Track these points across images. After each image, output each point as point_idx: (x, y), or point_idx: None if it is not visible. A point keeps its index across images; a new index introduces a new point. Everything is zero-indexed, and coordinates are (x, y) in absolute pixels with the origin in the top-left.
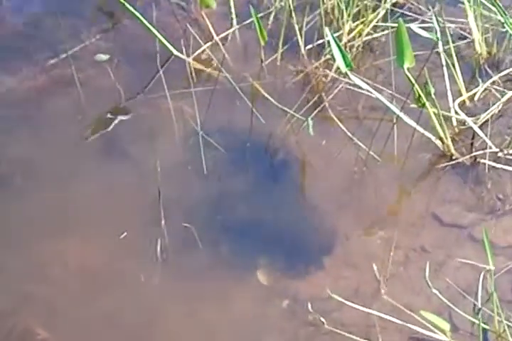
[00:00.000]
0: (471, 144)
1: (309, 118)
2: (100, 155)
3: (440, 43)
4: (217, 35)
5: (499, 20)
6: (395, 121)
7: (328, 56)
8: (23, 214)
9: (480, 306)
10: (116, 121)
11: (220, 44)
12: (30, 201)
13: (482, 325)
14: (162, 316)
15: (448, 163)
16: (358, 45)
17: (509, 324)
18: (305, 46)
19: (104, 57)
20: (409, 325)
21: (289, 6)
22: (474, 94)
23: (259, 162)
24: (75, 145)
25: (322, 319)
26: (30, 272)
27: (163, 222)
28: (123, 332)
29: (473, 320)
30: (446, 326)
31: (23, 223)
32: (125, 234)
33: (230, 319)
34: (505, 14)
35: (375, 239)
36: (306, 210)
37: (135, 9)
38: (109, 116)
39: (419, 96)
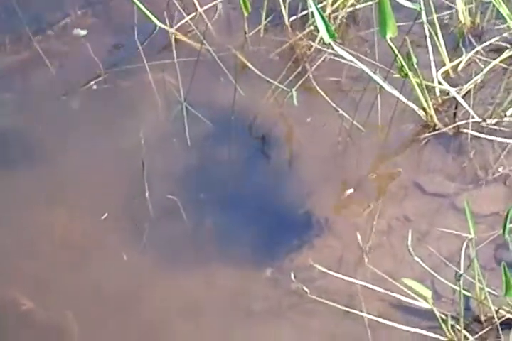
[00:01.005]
0: (454, 114)
1: (293, 89)
2: (83, 127)
3: (423, 13)
4: (201, 6)
5: None
6: (378, 91)
7: (311, 27)
8: (6, 187)
9: (461, 273)
10: (99, 93)
11: (204, 15)
12: (14, 173)
13: (463, 291)
14: (147, 288)
15: (431, 133)
16: (342, 16)
17: (490, 291)
18: (289, 17)
19: (82, 32)
20: (392, 293)
21: None
22: (458, 64)
23: (243, 133)
24: (58, 117)
25: (305, 288)
26: (15, 244)
27: (147, 193)
28: (107, 303)
29: (455, 287)
30: (428, 293)
31: (7, 196)
32: (106, 214)
33: (214, 289)
34: None
35: (358, 209)
36: (291, 180)
37: None
38: (91, 88)
39: (402, 66)
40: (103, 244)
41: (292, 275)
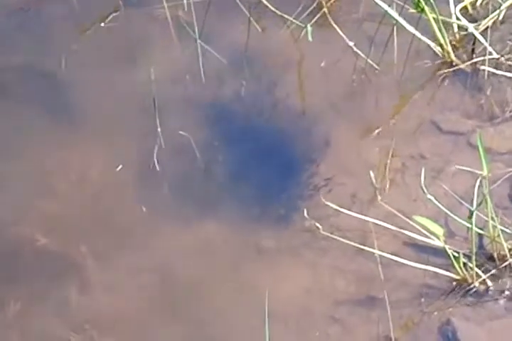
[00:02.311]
0: (472, 50)
1: (308, 25)
2: (97, 64)
3: None
4: None
5: None
6: (394, 26)
7: None
8: (23, 123)
9: (473, 209)
10: (113, 30)
11: None
12: (30, 109)
13: (476, 229)
14: (158, 225)
15: (448, 70)
16: None
17: (503, 228)
18: None
19: None
20: (404, 230)
21: None
22: None
23: (257, 70)
24: (71, 53)
25: (318, 225)
26: (31, 182)
27: (159, 129)
28: (120, 239)
29: (467, 224)
30: (439, 231)
31: (24, 132)
32: (120, 166)
33: (225, 226)
34: None
35: (372, 147)
36: (305, 118)
37: None
38: (105, 25)
39: (418, 0)
40: (115, 181)
41: (305, 212)
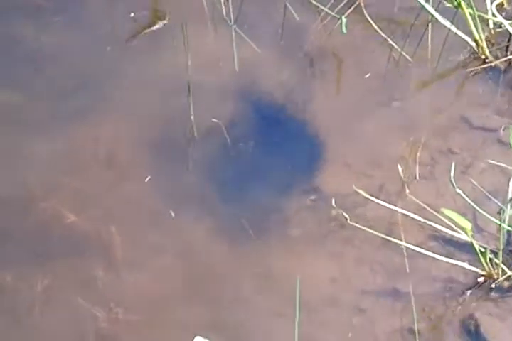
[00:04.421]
0: (507, 47)
1: (343, 17)
2: (133, 48)
3: None
4: None
5: None
6: (429, 21)
7: None
8: (55, 100)
9: (502, 206)
10: (146, 15)
11: None
12: (61, 90)
13: (505, 225)
14: (184, 206)
15: (481, 66)
16: None
17: None
18: None
19: None
20: (431, 223)
21: None
22: None
23: (291, 58)
24: (109, 38)
25: (345, 214)
26: (60, 159)
27: (192, 116)
28: (147, 218)
29: (496, 220)
30: (467, 224)
31: (55, 109)
32: (149, 177)
33: (252, 212)
34: None
35: (402, 140)
36: (335, 108)
37: None
38: (132, 14)
39: None
40: (145, 162)
41: (333, 201)
